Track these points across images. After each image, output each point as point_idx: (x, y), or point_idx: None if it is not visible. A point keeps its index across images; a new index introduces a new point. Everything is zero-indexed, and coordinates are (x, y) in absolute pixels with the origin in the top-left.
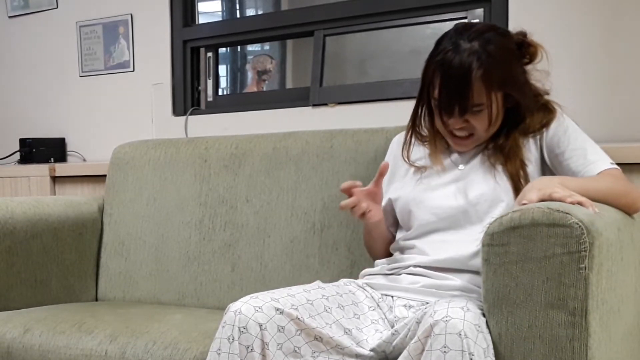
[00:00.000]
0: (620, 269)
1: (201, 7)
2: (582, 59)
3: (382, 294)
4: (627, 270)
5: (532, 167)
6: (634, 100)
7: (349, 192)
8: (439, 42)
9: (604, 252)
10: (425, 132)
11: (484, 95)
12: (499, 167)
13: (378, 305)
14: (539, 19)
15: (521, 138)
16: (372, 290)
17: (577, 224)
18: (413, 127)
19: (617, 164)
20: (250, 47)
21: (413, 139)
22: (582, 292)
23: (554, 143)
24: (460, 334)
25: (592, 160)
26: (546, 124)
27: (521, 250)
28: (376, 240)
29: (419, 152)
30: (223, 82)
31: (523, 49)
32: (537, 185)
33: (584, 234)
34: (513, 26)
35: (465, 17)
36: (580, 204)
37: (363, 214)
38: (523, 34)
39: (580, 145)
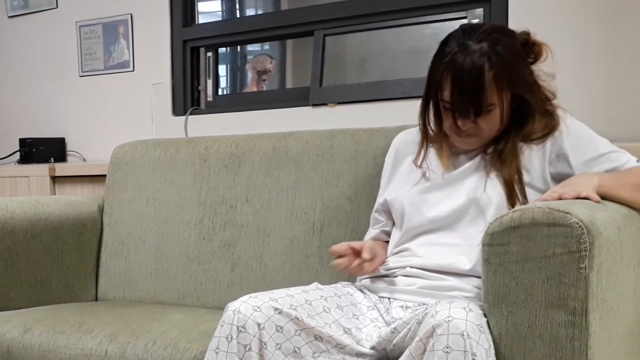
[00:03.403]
0: (620, 269)
1: (201, 7)
2: (582, 58)
3: (379, 296)
4: (627, 269)
5: (530, 177)
6: (634, 100)
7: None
8: (444, 43)
9: (604, 252)
10: (431, 132)
11: (495, 95)
12: (493, 173)
13: (375, 307)
14: (538, 18)
15: (521, 145)
16: (369, 292)
17: (577, 223)
18: (425, 132)
19: None
20: (250, 47)
21: (428, 145)
22: (582, 292)
23: (572, 155)
24: (462, 335)
25: (622, 162)
26: (549, 133)
27: (521, 249)
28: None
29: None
30: (223, 82)
31: (527, 48)
32: (575, 181)
33: (584, 234)
34: (513, 26)
35: (465, 17)
36: (587, 198)
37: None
38: (527, 33)
39: (604, 150)
